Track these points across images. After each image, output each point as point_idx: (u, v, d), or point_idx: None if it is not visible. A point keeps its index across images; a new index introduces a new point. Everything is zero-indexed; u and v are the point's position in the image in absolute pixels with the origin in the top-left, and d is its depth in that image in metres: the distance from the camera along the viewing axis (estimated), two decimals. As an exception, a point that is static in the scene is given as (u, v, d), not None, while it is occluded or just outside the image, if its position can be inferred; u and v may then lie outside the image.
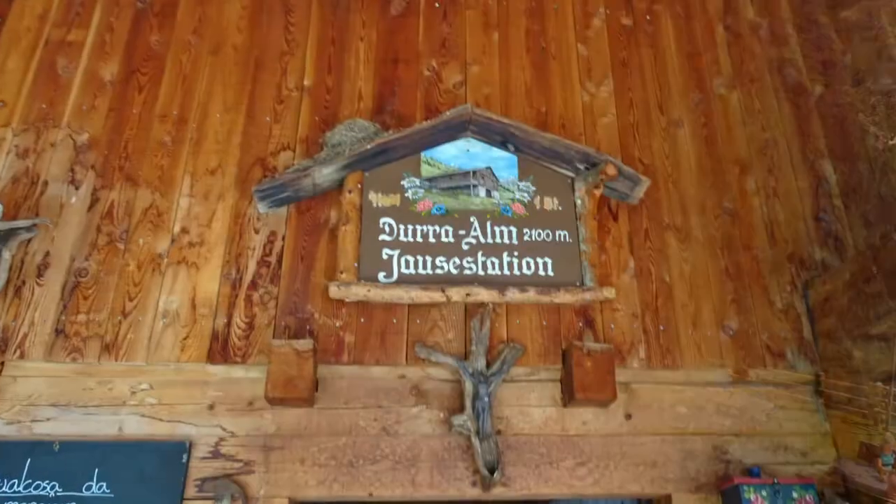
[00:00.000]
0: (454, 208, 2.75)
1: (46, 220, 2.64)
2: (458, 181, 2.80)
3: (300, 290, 2.62)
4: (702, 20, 3.42)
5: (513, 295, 2.57)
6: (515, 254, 2.69)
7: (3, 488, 2.28)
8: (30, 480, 2.30)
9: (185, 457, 2.36)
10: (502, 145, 2.87)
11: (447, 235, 2.69)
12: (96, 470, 2.33)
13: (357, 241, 2.63)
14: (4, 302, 2.52)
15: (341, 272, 2.57)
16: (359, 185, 2.72)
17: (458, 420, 2.44)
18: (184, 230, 2.70)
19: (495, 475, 2.37)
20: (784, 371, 2.69)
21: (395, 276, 2.60)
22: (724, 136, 3.13)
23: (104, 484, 2.32)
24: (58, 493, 2.29)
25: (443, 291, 2.54)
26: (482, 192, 2.80)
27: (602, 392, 2.47)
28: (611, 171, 2.72)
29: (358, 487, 2.40)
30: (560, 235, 2.75)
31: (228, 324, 2.55)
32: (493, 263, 2.66)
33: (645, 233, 2.88)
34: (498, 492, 2.43)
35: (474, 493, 2.43)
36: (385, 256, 2.63)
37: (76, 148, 2.82)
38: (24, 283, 2.56)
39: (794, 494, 2.39)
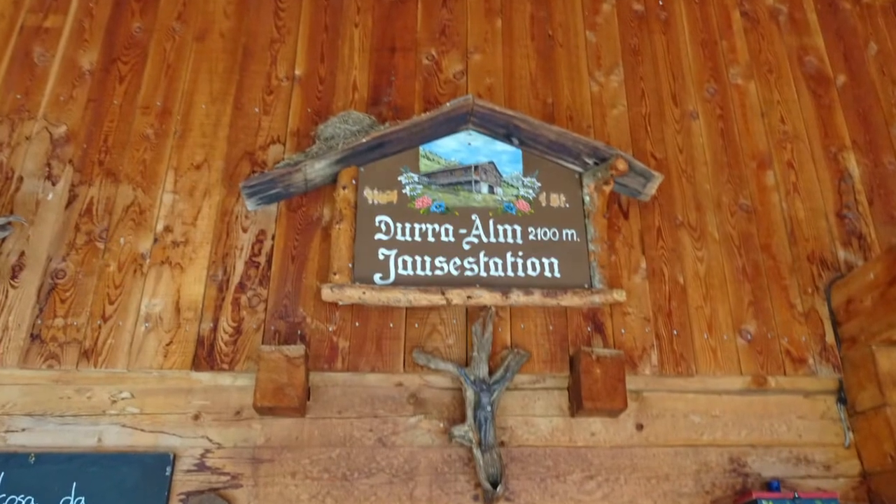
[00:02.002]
0: (455, 205, 2.73)
1: (21, 218, 2.62)
2: (458, 177, 2.79)
3: (291, 293, 2.61)
4: (717, 5, 3.40)
5: (517, 297, 2.55)
6: (520, 254, 2.68)
7: (-24, 503, 2.27)
8: (3, 495, 2.29)
9: (168, 469, 2.35)
10: (506, 138, 2.85)
11: (447, 234, 2.67)
12: (74, 483, 2.32)
13: (351, 241, 2.61)
14: (-23, 305, 2.51)
15: (335, 273, 2.55)
16: (353, 181, 2.70)
17: (458, 430, 2.43)
18: (167, 229, 2.69)
19: (498, 489, 2.35)
20: (805, 378, 2.67)
21: (392, 277, 2.58)
22: (741, 129, 3.12)
23: (82, 498, 2.30)
24: (33, 508, 2.28)
25: (442, 294, 2.52)
26: (484, 188, 2.78)
27: (612, 401, 2.45)
28: (621, 165, 2.70)
29: (352, 502, 2.39)
30: (567, 234, 2.73)
31: (215, 328, 2.53)
32: (495, 264, 2.65)
33: (657, 231, 2.86)
34: (501, 507, 2.42)
35: (476, 508, 2.42)
36: (381, 257, 2.61)
37: (53, 141, 2.81)
38: (-3, 284, 2.54)
39: (816, 510, 2.39)
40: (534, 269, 2.66)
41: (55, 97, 2.89)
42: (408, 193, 2.73)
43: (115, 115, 2.88)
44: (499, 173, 2.81)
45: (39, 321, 2.49)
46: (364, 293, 2.50)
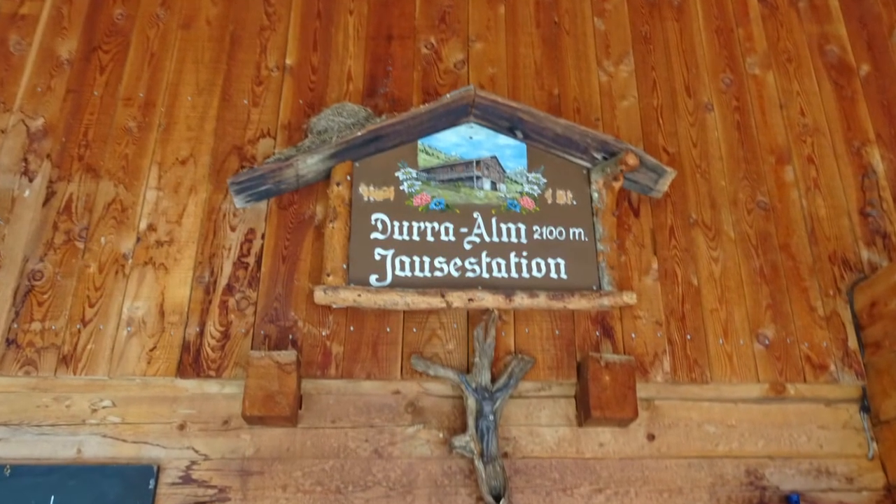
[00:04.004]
0: (455, 203, 2.73)
1: (-4, 216, 2.63)
2: (459, 172, 2.79)
3: (282, 295, 2.60)
4: (734, -9, 3.41)
5: (521, 300, 2.55)
6: (524, 254, 2.67)
7: (-52, 518, 2.27)
8: (-23, 509, 2.29)
9: (151, 482, 2.35)
10: (509, 132, 2.85)
11: (447, 233, 2.67)
12: (52, 497, 2.32)
13: (346, 240, 2.61)
14: (-51, 308, 2.51)
15: (328, 275, 2.55)
16: (348, 177, 2.70)
17: (459, 441, 2.43)
18: (151, 227, 2.68)
19: (501, 503, 2.35)
20: (826, 385, 2.67)
21: (389, 279, 2.58)
22: (758, 122, 3.12)
23: (61, 513, 2.30)
24: (9, 524, 2.29)
25: (442, 296, 2.52)
26: (487, 184, 2.78)
27: (621, 410, 2.45)
28: (631, 160, 2.70)
29: (347, 517, 2.39)
30: (574, 233, 2.73)
31: (201, 333, 2.53)
32: (498, 265, 2.64)
33: (670, 230, 2.86)
34: (504, 522, 2.41)
35: (478, 523, 2.42)
36: (377, 257, 2.61)
37: (30, 134, 2.80)
38: (-29, 286, 2.54)
39: (838, 525, 2.38)
40: (539, 269, 2.66)
41: (32, 88, 2.89)
42: (405, 190, 2.73)
43: (95, 107, 2.88)
44: (502, 169, 2.81)
45: (15, 325, 2.49)
46: (359, 295, 2.49)
